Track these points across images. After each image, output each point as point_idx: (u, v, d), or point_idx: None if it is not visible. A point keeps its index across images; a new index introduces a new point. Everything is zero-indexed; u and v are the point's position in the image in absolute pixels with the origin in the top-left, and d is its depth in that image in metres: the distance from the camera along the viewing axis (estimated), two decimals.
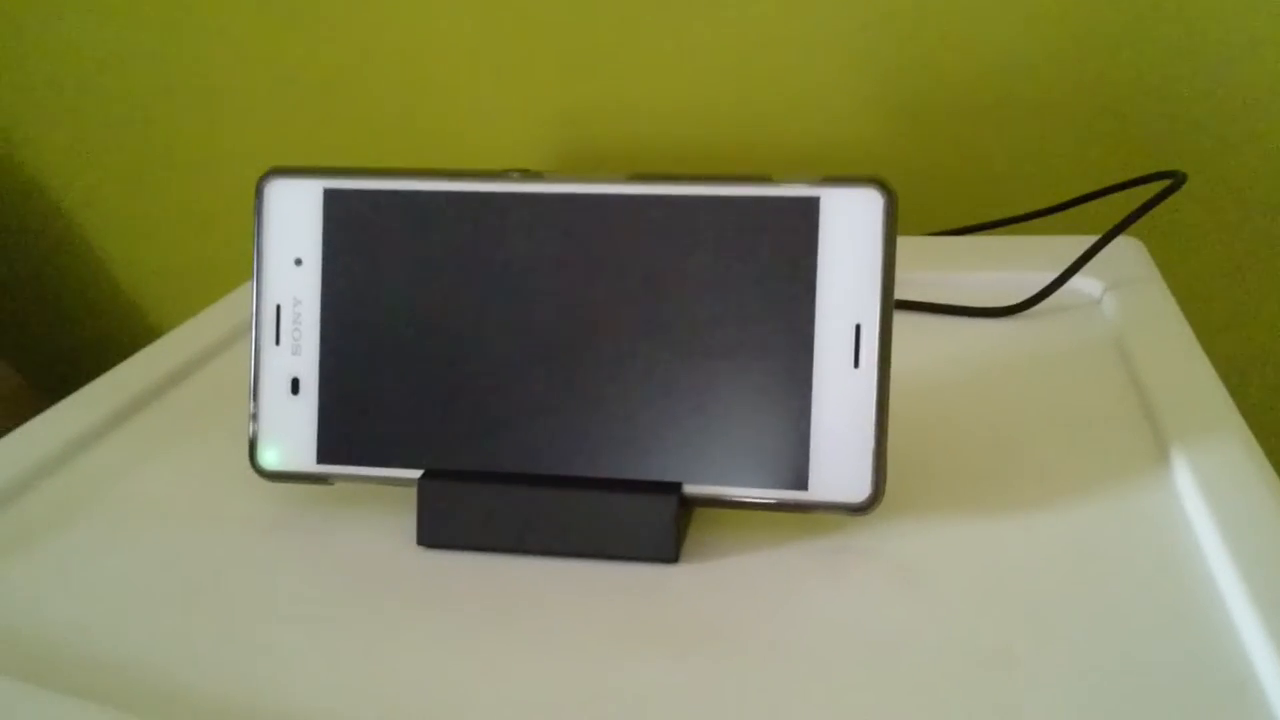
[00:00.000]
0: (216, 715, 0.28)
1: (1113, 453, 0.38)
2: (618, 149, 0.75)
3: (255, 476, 0.40)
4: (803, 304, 0.33)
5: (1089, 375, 0.44)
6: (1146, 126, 0.68)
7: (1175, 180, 0.51)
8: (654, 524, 0.34)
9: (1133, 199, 0.68)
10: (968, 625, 0.30)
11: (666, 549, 0.34)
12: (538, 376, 0.35)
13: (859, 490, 0.33)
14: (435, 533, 0.35)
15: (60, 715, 0.28)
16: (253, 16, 0.77)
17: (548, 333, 0.35)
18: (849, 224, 0.33)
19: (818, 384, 0.33)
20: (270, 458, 0.37)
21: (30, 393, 0.79)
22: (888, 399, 0.33)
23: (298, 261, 0.36)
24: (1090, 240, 0.58)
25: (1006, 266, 0.55)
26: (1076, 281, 0.53)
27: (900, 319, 0.51)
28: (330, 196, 0.36)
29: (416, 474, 0.35)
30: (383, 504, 0.38)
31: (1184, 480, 0.36)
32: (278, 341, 0.37)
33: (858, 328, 0.33)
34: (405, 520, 0.37)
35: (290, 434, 0.36)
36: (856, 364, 0.33)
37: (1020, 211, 0.71)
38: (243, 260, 0.85)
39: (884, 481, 0.33)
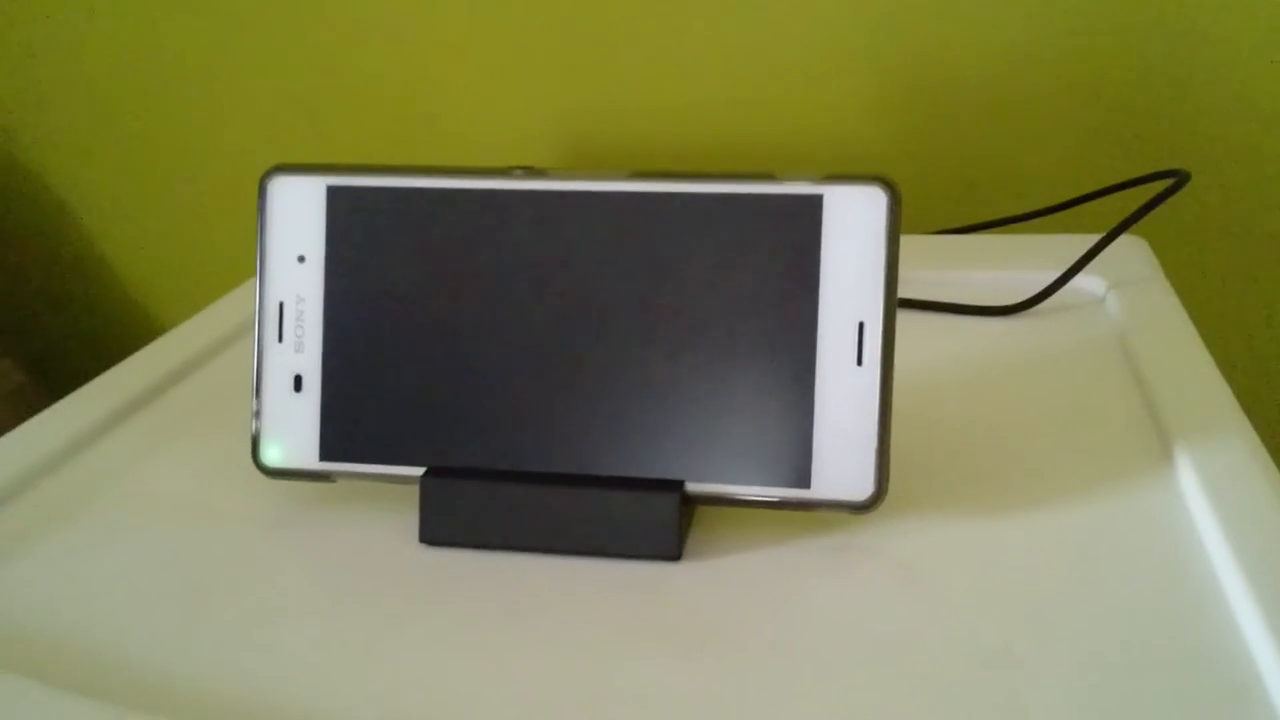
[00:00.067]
0: (218, 712, 0.28)
1: (1116, 452, 0.38)
2: (621, 146, 0.75)
3: (257, 474, 0.40)
4: (806, 302, 0.33)
5: (1092, 374, 0.44)
6: (1150, 125, 0.68)
7: (1179, 179, 0.51)
8: (656, 522, 0.34)
9: (1136, 198, 0.68)
10: (970, 624, 0.30)
11: (669, 547, 0.34)
12: (540, 374, 0.35)
13: (862, 488, 0.33)
14: (437, 530, 0.35)
15: (62, 712, 0.28)
16: (256, 15, 0.77)
17: (550, 330, 0.35)
18: (853, 222, 0.33)
19: (820, 382, 0.33)
20: (273, 455, 0.37)
21: (34, 390, 0.79)
22: (891, 397, 0.33)
23: (301, 259, 0.36)
24: (1094, 239, 0.58)
25: (1010, 265, 0.55)
26: (1080, 280, 0.53)
27: (903, 317, 0.51)
28: (333, 193, 0.36)
29: (419, 471, 0.35)
30: (385, 502, 0.38)
31: (1187, 480, 0.36)
32: (280, 339, 0.37)
33: (861, 326, 0.33)
34: (407, 518, 0.37)
35: (293, 431, 0.36)
36: (860, 362, 0.33)
37: (1024, 210, 0.70)
38: (246, 257, 0.85)
39: (887, 480, 0.33)
